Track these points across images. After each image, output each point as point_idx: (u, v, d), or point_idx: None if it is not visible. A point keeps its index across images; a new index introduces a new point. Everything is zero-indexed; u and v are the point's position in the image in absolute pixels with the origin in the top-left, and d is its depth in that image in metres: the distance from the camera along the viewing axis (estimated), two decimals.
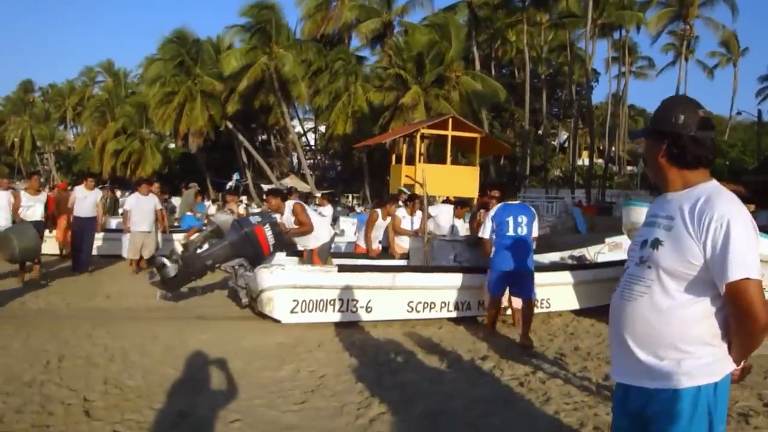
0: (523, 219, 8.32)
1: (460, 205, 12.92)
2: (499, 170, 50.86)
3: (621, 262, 10.09)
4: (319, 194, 26.52)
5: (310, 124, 61.96)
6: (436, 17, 44.03)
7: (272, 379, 6.34)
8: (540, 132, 56.59)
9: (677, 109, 2.66)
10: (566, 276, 10.10)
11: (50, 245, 14.50)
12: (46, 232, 13.70)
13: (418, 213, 11.73)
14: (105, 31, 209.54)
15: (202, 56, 46.94)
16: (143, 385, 5.95)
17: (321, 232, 10.20)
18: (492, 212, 8.55)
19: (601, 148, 62.38)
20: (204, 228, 12.47)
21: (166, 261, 9.31)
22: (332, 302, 8.73)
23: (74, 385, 5.82)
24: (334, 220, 16.97)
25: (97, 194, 13.84)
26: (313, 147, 62.26)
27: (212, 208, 19.34)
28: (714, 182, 2.64)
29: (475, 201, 21.03)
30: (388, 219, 11.71)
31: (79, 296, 10.74)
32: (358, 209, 39.20)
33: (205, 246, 10.37)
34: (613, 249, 12.29)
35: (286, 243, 10.28)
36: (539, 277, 8.80)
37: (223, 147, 52.88)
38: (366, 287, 8.90)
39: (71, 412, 5.17)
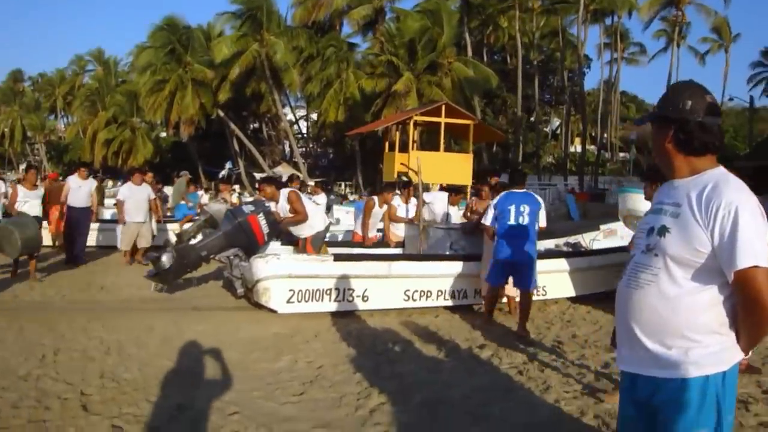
0: (525, 208, 8.18)
1: (455, 192, 12.87)
2: (492, 157, 50.89)
3: (616, 249, 10.15)
4: (311, 183, 26.41)
5: (301, 112, 61.80)
6: (428, 3, 43.78)
7: (270, 371, 6.31)
8: (532, 119, 56.53)
9: (685, 94, 2.62)
10: (562, 263, 10.08)
11: (43, 237, 14.36)
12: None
13: (413, 201, 11.67)
14: (95, 19, 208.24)
15: (193, 44, 46.66)
16: (140, 378, 5.90)
17: (315, 221, 10.14)
18: (495, 200, 8.48)
19: (593, 134, 62.42)
20: (197, 217, 12.42)
21: (160, 254, 9.24)
22: (328, 292, 8.70)
23: (71, 379, 5.77)
24: (328, 209, 16.91)
25: (92, 184, 13.62)
26: (305, 135, 62.12)
27: (205, 197, 19.23)
28: (721, 169, 2.60)
29: (469, 188, 21.04)
30: (385, 207, 11.65)
31: (74, 288, 10.66)
32: (351, 197, 39.19)
33: (199, 236, 10.32)
34: (608, 235, 12.29)
35: (280, 231, 10.22)
36: None
37: (215, 135, 52.69)
38: (362, 276, 8.86)
39: (68, 407, 5.12)
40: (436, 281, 9.31)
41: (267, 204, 10.06)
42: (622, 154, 66.55)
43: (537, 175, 46.97)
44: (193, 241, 10.06)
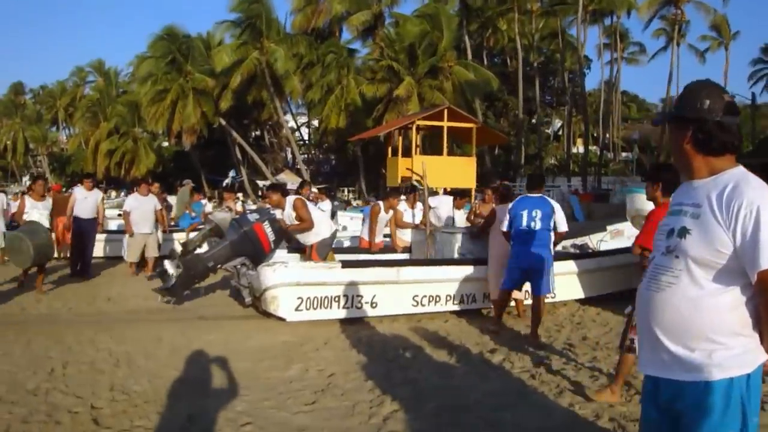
0: (537, 212, 8.11)
1: (459, 196, 12.82)
2: (494, 160, 50.87)
3: (624, 250, 10.10)
4: (315, 189, 26.35)
5: (303, 119, 61.83)
6: (427, 7, 43.86)
7: (281, 380, 6.26)
8: (534, 120, 56.52)
9: (702, 94, 2.58)
10: (570, 265, 10.04)
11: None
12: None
13: (419, 205, 11.62)
14: (94, 30, 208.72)
15: (193, 53, 46.80)
16: (150, 389, 5.85)
17: (322, 228, 10.08)
18: (511, 204, 8.45)
19: (595, 135, 62.31)
20: (202, 226, 12.37)
21: (167, 267, 9.18)
22: (337, 299, 8.66)
23: (80, 392, 5.72)
24: (333, 215, 16.86)
25: (98, 194, 13.51)
26: (306, 142, 62.13)
27: (209, 206, 19.18)
28: (741, 168, 2.56)
29: (473, 191, 21.01)
30: (391, 212, 11.60)
31: (80, 300, 10.61)
32: (354, 203, 39.12)
33: (204, 245, 10.27)
34: (615, 236, 12.27)
35: (290, 237, 10.18)
36: None
37: (217, 144, 52.79)
38: (370, 282, 8.83)
39: (79, 421, 5.08)
40: (444, 286, 9.27)
41: (272, 211, 10.03)
42: (624, 154, 66.45)
43: (526, 179, 46.91)
44: (198, 251, 10.01)
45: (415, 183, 11.37)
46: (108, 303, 10.49)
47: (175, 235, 14.95)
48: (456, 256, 10.06)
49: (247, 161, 51.23)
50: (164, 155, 60.20)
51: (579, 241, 12.14)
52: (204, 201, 19.48)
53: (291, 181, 37.47)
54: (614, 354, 7.05)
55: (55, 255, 14.19)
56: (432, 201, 11.76)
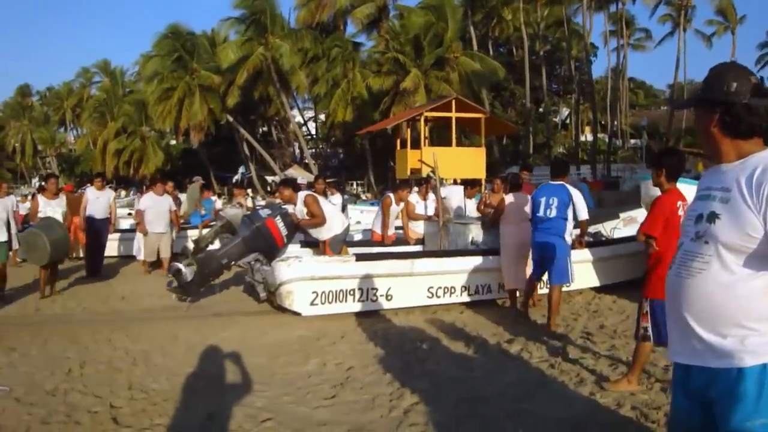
0: (554, 200, 8.05)
1: (470, 185, 12.76)
2: (503, 150, 50.71)
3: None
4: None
5: (309, 113, 61.75)
6: None
7: (299, 375, 6.25)
8: (541, 109, 56.31)
9: (729, 76, 2.53)
10: (585, 253, 9.97)
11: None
12: None
13: (431, 197, 11.57)
14: (99, 30, 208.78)
15: (198, 50, 46.78)
16: (168, 387, 5.85)
17: (334, 224, 10.04)
18: (534, 192, 8.43)
19: (603, 122, 62.07)
20: (214, 223, 12.35)
21: (181, 266, 9.15)
22: (352, 292, 8.65)
23: (99, 391, 5.72)
24: (343, 209, 16.83)
25: (110, 194, 13.49)
26: (314, 136, 62.09)
27: (218, 203, 19.17)
28: None
29: (483, 181, 20.93)
30: (402, 204, 11.56)
31: (94, 299, 10.63)
32: (364, 196, 39.09)
33: (216, 242, 10.27)
34: (628, 224, 12.18)
35: (300, 231, 10.16)
36: None
37: (225, 141, 52.81)
38: (385, 275, 8.81)
39: (98, 420, 5.07)
40: (459, 277, 9.24)
41: (284, 206, 10.00)
42: (633, 141, 66.17)
43: (549, 166, 46.80)
44: (210, 248, 10.00)
45: (431, 174, 11.31)
46: (122, 302, 10.51)
47: (188, 233, 14.91)
48: (469, 246, 10.02)
49: (255, 157, 51.22)
50: (172, 153, 60.30)
51: (592, 229, 12.04)
52: (214, 198, 19.49)
53: (300, 176, 37.49)
54: (632, 342, 6.99)
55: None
56: (442, 191, 11.72)
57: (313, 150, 57.60)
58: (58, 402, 5.49)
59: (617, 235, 11.74)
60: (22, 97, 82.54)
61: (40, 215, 11.31)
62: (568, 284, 8.51)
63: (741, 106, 2.48)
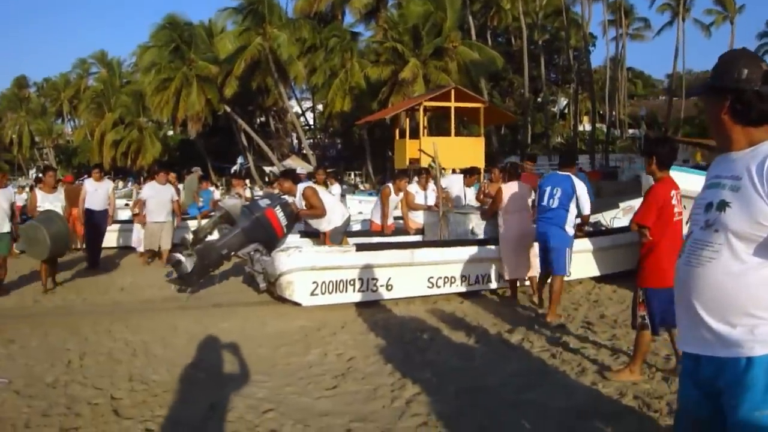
0: (557, 191, 8.03)
1: (468, 173, 12.71)
2: (501, 139, 50.63)
3: None
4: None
5: (307, 104, 61.63)
6: None
7: (300, 365, 6.23)
8: (539, 99, 56.23)
9: (740, 63, 2.49)
10: (584, 243, 9.95)
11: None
12: None
13: (431, 186, 11.54)
14: (95, 21, 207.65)
15: (196, 41, 46.61)
16: (169, 378, 5.82)
17: (334, 216, 10.00)
18: (540, 180, 8.43)
19: (601, 112, 61.99)
20: (213, 214, 12.30)
21: (181, 257, 9.10)
22: (352, 282, 8.63)
23: (99, 383, 5.69)
24: (342, 197, 16.80)
25: (108, 185, 13.41)
26: (312, 126, 61.97)
27: (216, 194, 19.12)
28: None
29: (483, 171, 20.91)
30: (401, 194, 11.54)
31: (93, 291, 10.60)
32: (362, 186, 39.04)
33: (215, 233, 10.22)
34: (627, 213, 12.14)
35: (300, 221, 10.14)
36: None
37: (223, 131, 52.65)
38: (385, 265, 8.79)
39: (99, 412, 5.04)
40: (459, 267, 9.21)
41: (283, 196, 9.96)
42: (631, 131, 66.08)
43: (547, 156, 46.67)
44: (209, 238, 9.97)
45: (432, 164, 11.27)
46: (122, 293, 10.48)
47: (188, 223, 14.82)
48: (469, 236, 10.00)
49: (253, 148, 51.12)
50: (170, 144, 60.12)
51: (592, 218, 12.04)
52: (212, 189, 19.43)
53: (299, 166, 37.42)
54: (633, 331, 6.98)
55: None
56: (443, 182, 11.70)
57: (311, 140, 57.52)
58: (59, 394, 5.46)
59: (617, 224, 11.72)
60: (19, 88, 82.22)
61: (39, 210, 11.17)
62: (568, 274, 8.51)
63: (752, 93, 2.44)
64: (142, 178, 44.21)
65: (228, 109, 47.32)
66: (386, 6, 46.94)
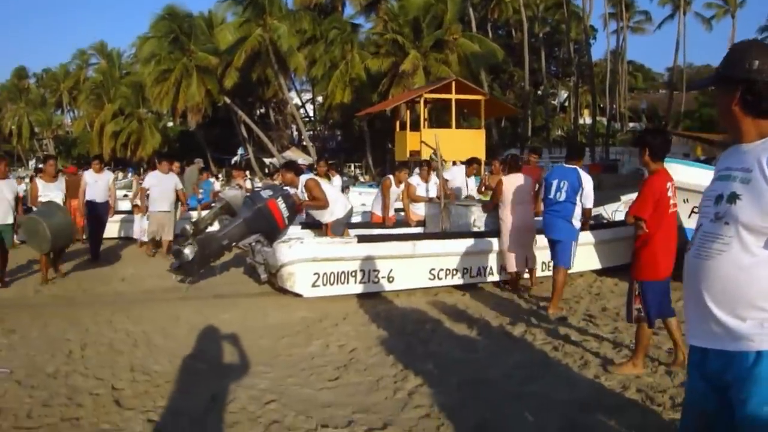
0: (564, 184, 8.02)
1: (469, 163, 12.66)
2: (501, 132, 50.60)
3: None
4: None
5: (307, 95, 61.55)
6: None
7: (302, 356, 6.21)
8: (540, 92, 56.17)
9: (751, 54, 2.46)
10: (586, 236, 9.91)
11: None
12: None
13: (433, 178, 11.50)
14: (95, 12, 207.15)
15: (196, 32, 46.54)
16: (170, 369, 5.80)
17: (336, 208, 10.00)
18: (547, 173, 8.43)
19: (601, 105, 61.93)
20: (214, 205, 12.28)
21: (182, 247, 9.08)
22: (353, 274, 8.62)
23: (100, 374, 5.67)
24: (342, 190, 16.78)
25: (109, 176, 13.27)
26: (312, 118, 61.91)
27: (217, 185, 19.12)
28: None
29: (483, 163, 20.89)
30: (402, 186, 11.52)
31: (94, 281, 10.58)
32: (362, 178, 39.01)
33: (216, 224, 10.21)
34: (629, 206, 12.15)
35: (302, 213, 10.13)
36: None
37: (222, 122, 52.58)
38: (387, 257, 8.77)
39: (101, 403, 5.02)
40: (461, 259, 9.20)
41: (285, 187, 9.95)
42: (632, 124, 66.02)
43: (548, 149, 46.63)
44: (210, 229, 9.95)
45: (433, 156, 11.24)
46: (123, 283, 10.45)
47: (190, 213, 14.78)
48: (471, 228, 9.99)
49: (253, 139, 51.09)
50: (170, 135, 60.07)
51: (593, 211, 12.03)
52: (212, 180, 19.42)
53: (299, 158, 37.39)
54: (634, 324, 6.98)
55: None
56: (445, 174, 11.69)
57: (311, 132, 57.48)
58: (60, 384, 5.43)
59: (618, 217, 11.71)
60: (19, 79, 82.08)
61: (40, 199, 11.10)
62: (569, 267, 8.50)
63: (763, 85, 2.41)
64: (141, 170, 44.17)
65: (228, 101, 47.28)
66: None
